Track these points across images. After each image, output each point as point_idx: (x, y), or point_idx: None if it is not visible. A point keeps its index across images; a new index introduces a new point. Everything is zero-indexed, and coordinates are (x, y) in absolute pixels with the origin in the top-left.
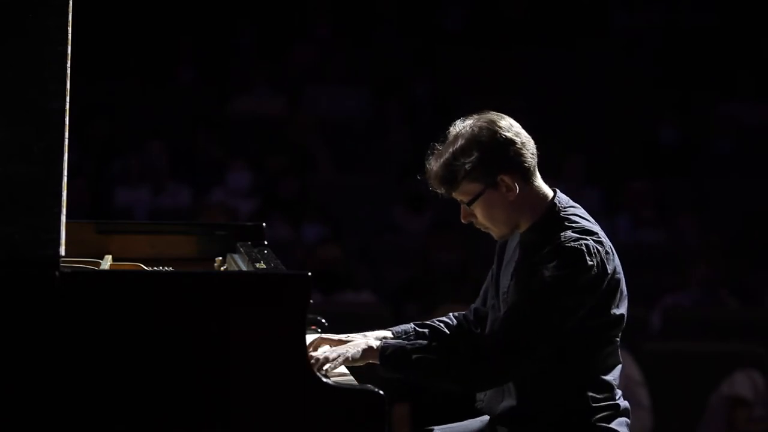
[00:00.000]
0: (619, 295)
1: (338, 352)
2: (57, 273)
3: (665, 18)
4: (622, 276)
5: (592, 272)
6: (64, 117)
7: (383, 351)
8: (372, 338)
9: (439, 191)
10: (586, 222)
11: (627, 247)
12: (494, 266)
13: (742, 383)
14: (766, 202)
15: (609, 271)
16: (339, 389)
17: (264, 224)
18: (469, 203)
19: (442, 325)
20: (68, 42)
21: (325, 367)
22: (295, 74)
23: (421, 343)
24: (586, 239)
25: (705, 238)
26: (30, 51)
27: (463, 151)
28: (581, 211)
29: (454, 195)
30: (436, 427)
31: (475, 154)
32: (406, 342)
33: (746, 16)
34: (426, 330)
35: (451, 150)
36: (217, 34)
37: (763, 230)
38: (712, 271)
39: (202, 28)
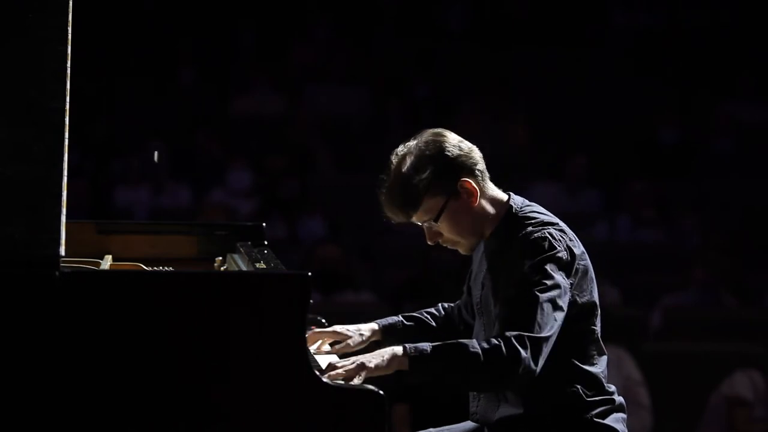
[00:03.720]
0: (588, 281)
1: (356, 361)
2: (57, 273)
3: (665, 18)
4: (589, 263)
5: (563, 257)
6: (64, 117)
7: (412, 359)
8: (367, 330)
9: (401, 219)
10: (544, 216)
11: (627, 247)
12: (468, 277)
13: (742, 383)
14: (766, 201)
15: (577, 255)
16: (339, 389)
17: (264, 224)
18: (436, 219)
19: (428, 317)
20: (68, 42)
21: (354, 382)
22: (295, 74)
23: (447, 348)
24: (547, 228)
25: (705, 238)
26: (30, 51)
27: (416, 169)
28: (538, 207)
29: (416, 217)
30: (432, 429)
31: (429, 168)
32: (430, 345)
33: (746, 16)
34: (413, 323)
35: (403, 171)
36: (217, 34)
37: (763, 230)
38: (712, 271)
39: (202, 28)
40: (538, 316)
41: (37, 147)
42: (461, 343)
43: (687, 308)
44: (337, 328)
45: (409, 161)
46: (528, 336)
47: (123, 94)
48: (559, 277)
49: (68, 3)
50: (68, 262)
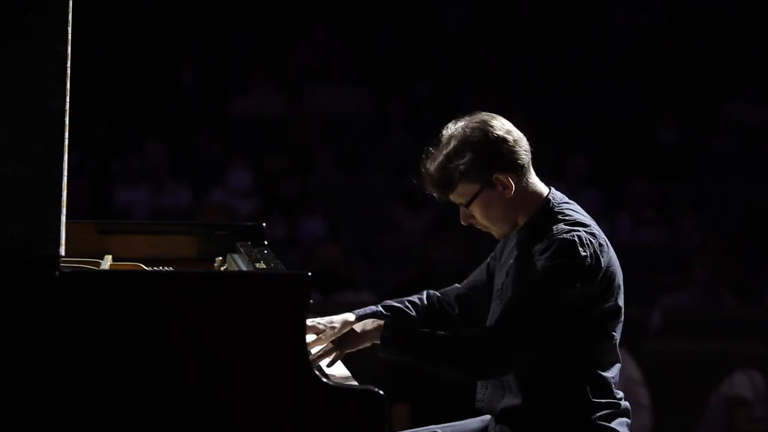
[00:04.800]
0: (615, 287)
1: (331, 345)
2: (57, 273)
3: (665, 18)
4: (617, 269)
5: (586, 263)
6: (64, 117)
7: (384, 331)
8: (338, 321)
9: (435, 194)
10: (579, 215)
11: (627, 247)
12: (490, 261)
13: (742, 383)
14: (766, 201)
15: (603, 263)
16: (339, 389)
17: (264, 224)
18: (467, 204)
19: (409, 306)
20: (68, 42)
21: (325, 363)
22: (295, 74)
23: (423, 329)
24: (578, 230)
25: (705, 238)
26: (30, 51)
27: (457, 152)
28: (575, 206)
29: (452, 197)
30: (436, 426)
31: (469, 155)
32: (408, 324)
33: (747, 15)
34: (390, 313)
35: (444, 153)
36: (217, 34)
37: (763, 230)
38: (712, 271)
39: (202, 28)
40: (529, 317)
41: (37, 147)
42: (437, 330)
43: (687, 308)
44: (308, 321)
45: (452, 144)
46: (505, 335)
47: (123, 94)
48: (574, 285)
49: (68, 3)
50: (68, 262)
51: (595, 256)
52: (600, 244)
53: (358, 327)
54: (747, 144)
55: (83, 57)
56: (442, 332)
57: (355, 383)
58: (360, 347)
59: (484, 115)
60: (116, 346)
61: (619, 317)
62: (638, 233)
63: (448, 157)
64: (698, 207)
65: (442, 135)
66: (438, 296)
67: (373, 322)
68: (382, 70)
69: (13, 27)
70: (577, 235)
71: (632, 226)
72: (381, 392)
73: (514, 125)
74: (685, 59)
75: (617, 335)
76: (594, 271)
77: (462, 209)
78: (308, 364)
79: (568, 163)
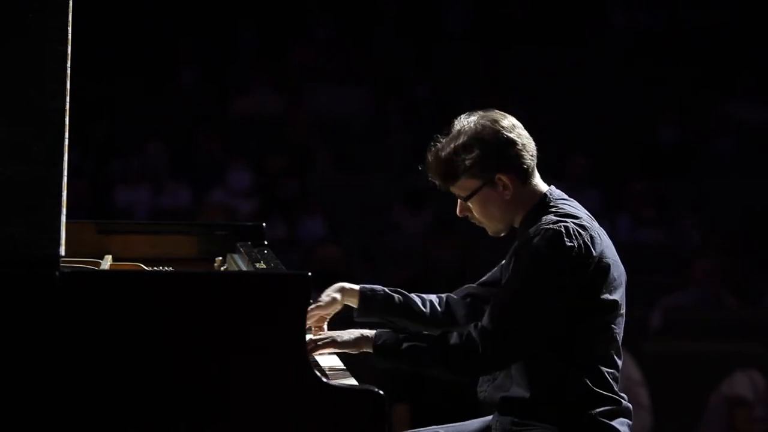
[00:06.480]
0: (610, 280)
1: (327, 335)
2: (57, 273)
3: (665, 18)
4: (615, 262)
5: (572, 253)
6: (64, 117)
7: (376, 340)
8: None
9: (436, 183)
10: (572, 209)
11: (627, 247)
12: (505, 260)
13: (742, 383)
14: (766, 201)
15: (595, 254)
16: (339, 389)
17: (264, 224)
18: (466, 198)
19: (425, 304)
20: (68, 42)
21: (318, 353)
22: (295, 74)
23: (413, 334)
24: (566, 221)
25: (705, 238)
26: (30, 51)
27: (465, 147)
28: (573, 202)
29: (452, 189)
30: (438, 426)
31: (476, 152)
32: (397, 337)
33: (746, 16)
34: (399, 296)
35: (453, 145)
36: (217, 34)
37: (763, 230)
38: (712, 271)
39: (202, 28)
40: (518, 315)
41: (37, 147)
42: (425, 334)
43: (687, 308)
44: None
45: (462, 138)
46: (489, 338)
47: (123, 94)
48: (560, 277)
49: (68, 3)
50: (68, 262)
51: (585, 247)
52: (591, 236)
53: (350, 335)
54: (747, 144)
55: (83, 57)
56: (430, 340)
57: (355, 383)
58: (352, 352)
59: (497, 114)
60: (116, 346)
61: (616, 310)
62: (638, 233)
63: (456, 151)
64: (698, 207)
65: (453, 126)
66: (454, 298)
67: (362, 333)
68: (382, 70)
69: (13, 27)
70: (564, 226)
71: (632, 226)
72: (381, 392)
73: None
74: (685, 59)
75: (617, 329)
76: (583, 261)
77: (460, 201)
78: (308, 363)
79: (568, 163)
